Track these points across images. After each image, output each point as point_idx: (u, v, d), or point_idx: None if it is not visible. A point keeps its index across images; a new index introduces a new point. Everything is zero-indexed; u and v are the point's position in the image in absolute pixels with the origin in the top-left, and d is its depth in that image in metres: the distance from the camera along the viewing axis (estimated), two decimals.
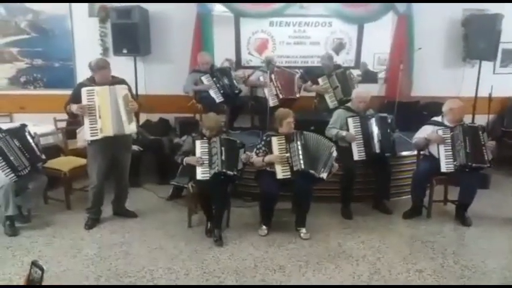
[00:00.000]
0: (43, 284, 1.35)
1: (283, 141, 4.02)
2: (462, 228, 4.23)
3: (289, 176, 3.95)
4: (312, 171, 3.94)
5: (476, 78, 5.91)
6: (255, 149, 4.10)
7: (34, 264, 1.38)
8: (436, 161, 4.29)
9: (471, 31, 6.00)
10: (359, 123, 4.48)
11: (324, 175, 3.99)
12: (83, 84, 3.98)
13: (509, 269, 3.51)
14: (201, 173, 3.90)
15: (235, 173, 3.92)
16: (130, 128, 3.99)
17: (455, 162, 4.19)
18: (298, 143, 3.99)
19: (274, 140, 4.02)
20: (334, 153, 4.05)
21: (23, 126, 4.14)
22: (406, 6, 5.95)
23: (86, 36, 5.93)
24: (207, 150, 3.93)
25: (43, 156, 4.16)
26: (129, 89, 4.07)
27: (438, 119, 4.46)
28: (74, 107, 3.88)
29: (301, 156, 3.94)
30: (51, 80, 6.06)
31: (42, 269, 1.39)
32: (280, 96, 5.59)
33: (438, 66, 6.27)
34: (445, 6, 6.02)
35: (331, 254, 3.70)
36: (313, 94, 5.72)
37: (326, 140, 4.17)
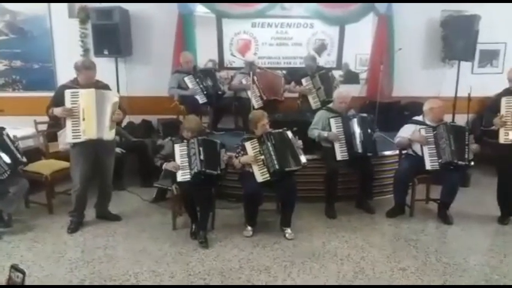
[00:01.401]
0: (26, 278, 1.32)
1: (257, 144, 4.03)
2: (444, 226, 4.31)
3: (268, 178, 3.97)
4: (287, 169, 3.97)
5: (455, 78, 6.02)
6: (235, 153, 4.11)
7: (14, 268, 1.35)
8: (417, 160, 4.36)
9: (449, 32, 6.13)
10: (341, 124, 4.52)
11: (303, 158, 4.02)
12: (65, 86, 3.91)
13: (489, 265, 3.59)
14: (181, 175, 3.91)
15: (218, 172, 3.92)
16: (109, 135, 3.94)
17: (440, 160, 4.27)
18: (269, 143, 4.01)
19: (248, 145, 4.04)
20: (290, 135, 4.08)
21: (1, 129, 4.05)
22: (386, 7, 6.02)
23: (66, 37, 5.84)
24: (186, 152, 3.94)
25: (24, 159, 4.08)
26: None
27: (419, 118, 4.54)
28: (57, 111, 3.81)
29: (274, 157, 3.96)
30: (30, 82, 5.95)
31: (23, 273, 1.36)
32: (264, 98, 5.61)
33: (418, 67, 6.38)
34: (424, 7, 6.13)
35: (315, 254, 3.73)
36: (296, 95, 5.75)
37: (282, 130, 4.14)
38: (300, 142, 4.11)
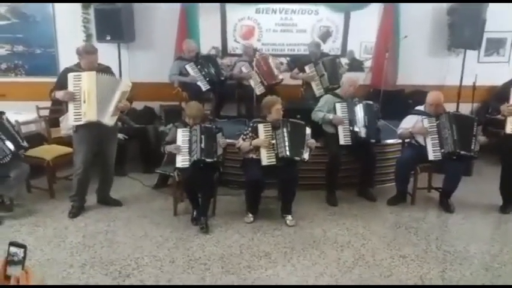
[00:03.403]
0: (26, 262, 1.32)
1: (270, 128, 4.03)
2: (445, 215, 4.30)
3: (274, 163, 3.96)
4: (296, 158, 3.96)
5: (461, 67, 5.95)
6: (241, 135, 4.10)
7: (13, 244, 1.33)
8: (420, 149, 4.33)
9: (456, 20, 6.02)
10: (346, 109, 4.50)
11: (306, 155, 4.02)
12: (69, 70, 3.92)
13: (490, 253, 3.59)
14: (181, 161, 3.91)
15: (215, 159, 3.91)
16: (110, 121, 3.93)
17: (442, 150, 4.23)
18: (284, 130, 4.01)
19: (261, 127, 4.03)
20: (308, 131, 4.09)
21: (1, 113, 4.05)
22: None
23: (69, 22, 5.79)
24: (188, 138, 3.94)
25: (25, 144, 4.09)
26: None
27: (421, 108, 4.50)
28: (60, 94, 3.83)
29: (287, 143, 3.96)
30: (33, 67, 5.92)
31: (24, 247, 1.34)
32: (265, 83, 5.56)
33: (423, 55, 6.30)
34: None
35: (316, 241, 3.73)
36: (299, 82, 5.71)
37: (300, 122, 4.17)
38: (313, 141, 4.10)
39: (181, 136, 3.95)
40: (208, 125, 4.14)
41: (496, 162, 4.56)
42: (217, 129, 4.07)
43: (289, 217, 4.04)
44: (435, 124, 4.29)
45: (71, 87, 3.80)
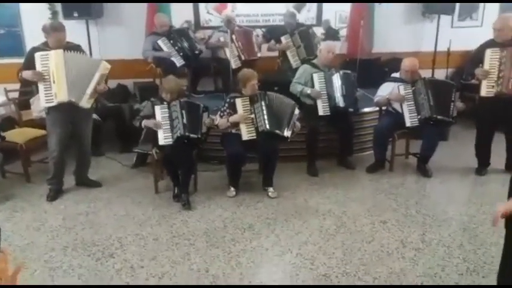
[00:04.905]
0: (1, 244, 1.28)
1: (247, 102, 3.98)
2: (423, 180, 4.39)
3: (254, 137, 3.94)
4: (277, 131, 3.95)
5: (435, 32, 5.97)
6: (219, 112, 4.05)
7: None
8: (397, 116, 4.38)
9: None
10: (324, 79, 4.47)
11: (288, 133, 4.00)
12: (36, 49, 3.76)
13: (467, 214, 3.69)
14: (164, 138, 3.85)
15: (199, 136, 3.87)
16: (86, 103, 3.81)
17: (419, 116, 4.27)
18: (263, 103, 3.97)
19: (239, 102, 3.97)
20: (296, 111, 4.07)
21: None
22: None
23: None
24: (167, 115, 3.86)
25: (2, 134, 3.96)
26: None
27: (397, 75, 4.52)
28: (27, 74, 3.69)
29: (265, 117, 3.93)
30: None
31: None
32: (242, 58, 5.47)
33: (398, 22, 6.27)
34: None
35: (298, 210, 3.77)
36: (276, 54, 5.64)
37: (288, 99, 4.17)
38: (299, 124, 4.08)
39: (160, 113, 3.87)
40: (189, 101, 4.07)
41: (471, 126, 4.65)
42: (204, 107, 4.00)
43: (271, 189, 4.06)
44: (411, 90, 4.33)
45: (39, 68, 3.66)
